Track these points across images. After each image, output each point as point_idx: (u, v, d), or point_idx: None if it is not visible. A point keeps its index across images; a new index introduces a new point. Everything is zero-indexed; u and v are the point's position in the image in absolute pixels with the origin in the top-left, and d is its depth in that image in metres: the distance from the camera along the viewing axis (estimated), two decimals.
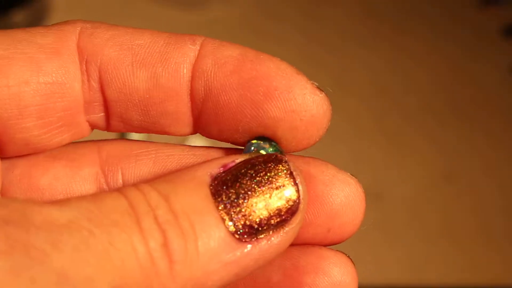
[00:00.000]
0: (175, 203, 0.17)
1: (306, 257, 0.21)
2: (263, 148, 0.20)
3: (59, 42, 0.20)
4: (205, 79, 0.20)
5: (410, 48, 0.77)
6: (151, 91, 0.20)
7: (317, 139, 0.21)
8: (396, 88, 0.74)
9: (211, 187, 0.18)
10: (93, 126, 0.22)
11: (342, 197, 0.21)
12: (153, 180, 0.18)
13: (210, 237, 0.17)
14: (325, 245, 0.21)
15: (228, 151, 0.22)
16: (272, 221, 0.18)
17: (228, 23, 0.75)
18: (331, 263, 0.21)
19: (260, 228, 0.18)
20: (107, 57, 0.20)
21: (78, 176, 0.22)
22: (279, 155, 0.19)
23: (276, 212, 0.18)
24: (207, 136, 0.22)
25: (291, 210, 0.18)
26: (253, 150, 0.20)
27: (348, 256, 0.21)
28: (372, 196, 0.61)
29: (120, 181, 0.22)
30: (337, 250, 0.21)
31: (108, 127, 0.22)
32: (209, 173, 0.18)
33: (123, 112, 0.21)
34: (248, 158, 0.19)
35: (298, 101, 0.20)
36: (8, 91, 0.20)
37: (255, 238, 0.18)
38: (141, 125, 0.21)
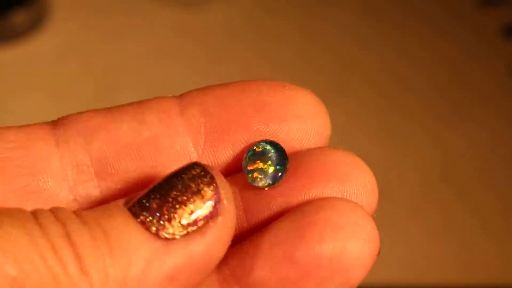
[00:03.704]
0: (84, 213, 0.16)
1: (312, 204, 0.19)
2: (264, 147, 0.20)
3: (25, 125, 0.19)
4: (198, 102, 0.20)
5: (409, 48, 0.77)
6: (139, 130, 0.20)
7: (328, 132, 0.20)
8: (395, 87, 0.74)
9: (126, 204, 0.17)
10: (83, 200, 0.20)
11: (347, 163, 0.20)
12: None
13: (122, 236, 0.16)
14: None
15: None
16: (194, 217, 0.17)
17: (228, 23, 0.75)
18: (340, 201, 0.19)
19: (182, 226, 0.17)
20: (86, 116, 0.20)
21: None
22: (192, 161, 0.18)
23: (197, 208, 0.17)
24: (222, 156, 0.21)
25: (213, 204, 0.17)
26: (254, 151, 0.20)
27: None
28: None
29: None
30: (343, 198, 0.20)
31: (103, 198, 0.20)
32: (127, 197, 0.17)
33: (116, 165, 0.20)
34: (162, 176, 0.18)
35: (296, 90, 0.20)
36: None
37: (179, 236, 0.17)
38: (140, 174, 0.20)
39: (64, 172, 0.19)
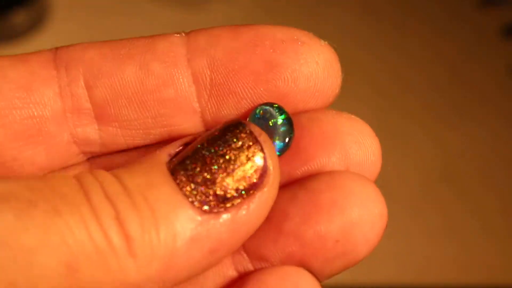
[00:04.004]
0: (128, 181, 0.16)
1: (320, 179, 0.19)
2: (270, 113, 0.19)
3: (29, 54, 0.19)
4: (207, 54, 0.19)
5: (409, 48, 0.77)
6: (144, 80, 0.19)
7: (334, 89, 0.20)
8: (395, 87, 0.74)
9: (168, 164, 0.16)
10: (82, 142, 0.20)
11: (353, 132, 0.19)
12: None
13: (168, 209, 0.16)
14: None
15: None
16: (240, 187, 0.16)
17: (228, 23, 0.75)
18: (349, 178, 0.19)
19: (226, 197, 0.16)
20: (89, 57, 0.19)
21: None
22: (235, 120, 0.18)
23: (241, 178, 0.17)
24: (225, 115, 0.20)
25: (259, 173, 0.17)
26: (260, 115, 0.19)
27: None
28: None
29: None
30: (352, 172, 0.19)
31: (102, 141, 0.20)
32: (167, 153, 0.17)
33: (118, 112, 0.19)
34: (207, 131, 0.17)
35: (308, 46, 0.19)
36: None
37: (223, 208, 0.16)
38: (141, 125, 0.19)
39: (65, 116, 0.19)
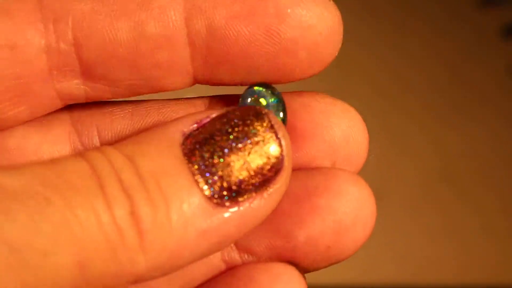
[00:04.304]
0: (142, 165, 0.15)
1: (314, 178, 0.18)
2: (264, 96, 0.18)
3: (11, 2, 0.17)
4: (205, 16, 0.17)
5: (409, 48, 0.77)
6: (137, 41, 0.18)
7: (333, 57, 0.19)
8: (395, 87, 0.74)
9: (183, 146, 0.16)
10: (66, 97, 0.19)
11: (344, 125, 0.19)
12: (121, 141, 0.16)
13: (183, 201, 0.15)
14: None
15: (215, 100, 0.20)
16: (254, 181, 0.16)
17: None
18: (344, 180, 0.18)
19: (240, 190, 0.16)
20: (80, 12, 0.17)
21: (50, 135, 0.19)
22: (257, 108, 0.17)
23: (257, 171, 0.16)
24: (215, 84, 0.19)
25: (275, 168, 0.16)
26: (252, 99, 0.18)
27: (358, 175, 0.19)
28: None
29: (97, 138, 0.19)
30: (344, 169, 0.19)
31: (87, 96, 0.19)
32: (181, 131, 0.16)
33: (107, 72, 0.18)
34: (223, 112, 0.17)
35: (313, 14, 0.18)
36: None
37: (235, 202, 0.16)
38: (130, 85, 0.19)
39: (51, 73, 0.18)
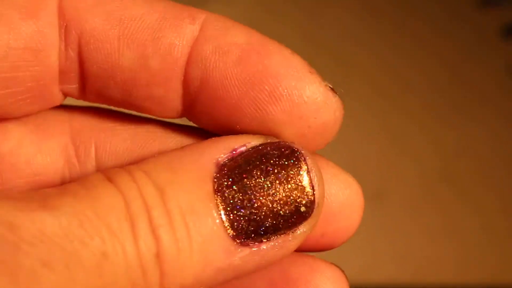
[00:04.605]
0: (171, 200, 0.15)
1: (297, 268, 0.18)
2: None
3: (38, 2, 0.17)
4: (203, 67, 0.17)
5: (409, 48, 0.77)
6: (138, 72, 0.17)
7: (323, 146, 0.18)
8: (395, 87, 0.74)
9: (214, 180, 0.16)
10: (66, 95, 0.19)
11: (342, 198, 0.18)
12: (152, 161, 0.16)
13: (207, 243, 0.15)
14: (315, 251, 0.19)
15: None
16: (281, 225, 0.16)
17: None
18: (325, 277, 0.18)
19: (266, 231, 0.16)
20: (91, 26, 0.17)
21: (45, 146, 0.19)
22: (297, 148, 0.16)
23: (286, 215, 0.16)
24: (196, 124, 0.19)
25: (303, 215, 0.16)
26: None
27: (342, 270, 0.19)
28: (372, 196, 0.61)
29: (93, 155, 0.19)
30: (330, 263, 0.19)
31: (83, 98, 0.19)
32: (215, 160, 0.16)
33: (102, 88, 0.18)
34: (262, 144, 0.16)
35: (308, 107, 0.17)
36: None
37: (258, 242, 0.16)
38: (120, 103, 0.19)
39: (58, 75, 0.18)
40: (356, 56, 0.75)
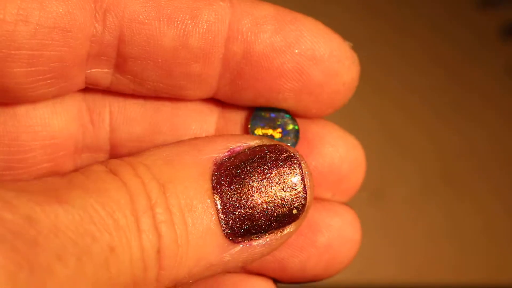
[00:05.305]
0: (172, 196, 0.16)
1: (319, 214, 0.20)
2: (283, 125, 0.19)
3: None
4: (245, 41, 0.18)
5: (409, 48, 0.77)
6: (178, 50, 0.18)
7: (346, 102, 0.20)
8: (395, 87, 0.74)
9: (213, 178, 0.17)
10: (91, 82, 0.19)
11: (351, 158, 0.20)
12: (150, 154, 0.17)
13: (203, 240, 0.16)
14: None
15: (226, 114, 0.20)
16: (272, 226, 0.17)
17: None
18: (343, 220, 0.20)
19: (257, 230, 0.17)
20: (131, 10, 0.18)
21: (60, 108, 0.19)
22: (292, 152, 0.17)
23: (278, 216, 0.17)
24: (229, 102, 0.20)
25: (294, 217, 0.17)
26: (268, 124, 0.19)
27: (354, 212, 0.20)
28: (372, 195, 0.61)
29: (107, 120, 0.20)
30: (346, 205, 0.20)
31: (110, 86, 0.19)
32: (213, 159, 0.17)
33: (140, 71, 0.19)
34: (258, 146, 0.17)
35: (343, 65, 0.19)
36: (2, 27, 0.16)
37: (248, 239, 0.17)
38: (155, 87, 0.19)
39: (88, 59, 0.18)
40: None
